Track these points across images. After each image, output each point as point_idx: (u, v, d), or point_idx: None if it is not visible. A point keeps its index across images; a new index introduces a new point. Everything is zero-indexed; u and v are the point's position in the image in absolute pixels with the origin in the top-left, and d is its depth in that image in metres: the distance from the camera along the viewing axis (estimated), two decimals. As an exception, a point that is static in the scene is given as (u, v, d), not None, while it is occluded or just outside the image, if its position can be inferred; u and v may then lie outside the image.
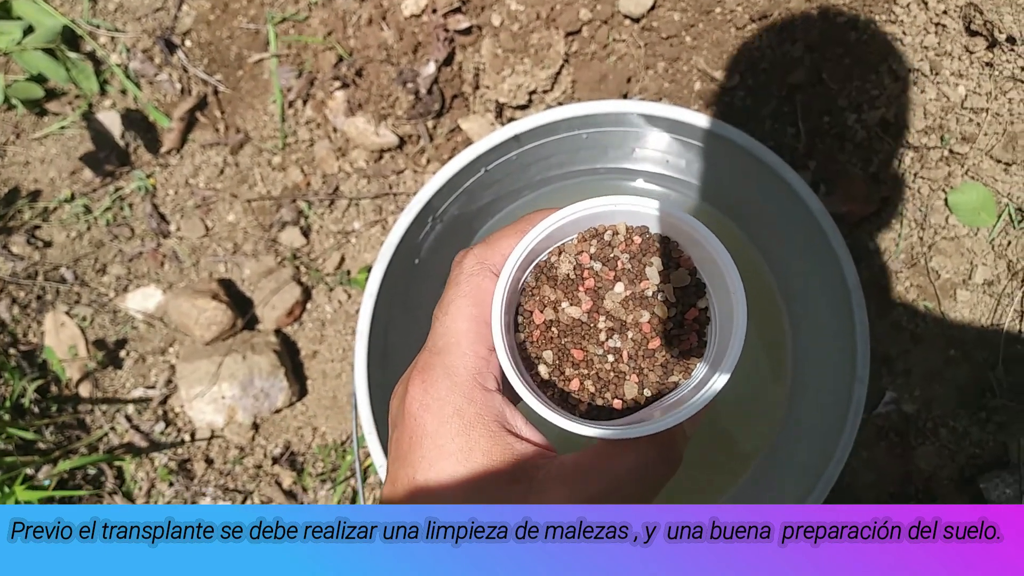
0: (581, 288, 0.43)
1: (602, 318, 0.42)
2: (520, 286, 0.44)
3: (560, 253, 0.44)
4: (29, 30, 1.20)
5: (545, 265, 0.44)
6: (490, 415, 0.40)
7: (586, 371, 0.42)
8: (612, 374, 0.42)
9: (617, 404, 0.42)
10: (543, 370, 0.43)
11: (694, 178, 0.88)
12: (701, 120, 0.75)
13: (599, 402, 0.42)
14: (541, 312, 0.43)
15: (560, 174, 0.90)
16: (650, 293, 0.42)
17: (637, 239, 0.43)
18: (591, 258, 0.43)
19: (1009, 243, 1.12)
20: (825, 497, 0.72)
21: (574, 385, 0.42)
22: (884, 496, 1.13)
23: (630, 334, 0.42)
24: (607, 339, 0.42)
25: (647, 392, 0.42)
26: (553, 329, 0.43)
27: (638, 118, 0.77)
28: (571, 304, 0.43)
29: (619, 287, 0.42)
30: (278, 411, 1.22)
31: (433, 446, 0.39)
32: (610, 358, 0.42)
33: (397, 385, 0.43)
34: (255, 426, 1.22)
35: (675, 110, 0.75)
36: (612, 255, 0.43)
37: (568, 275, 0.43)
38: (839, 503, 1.12)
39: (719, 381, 0.39)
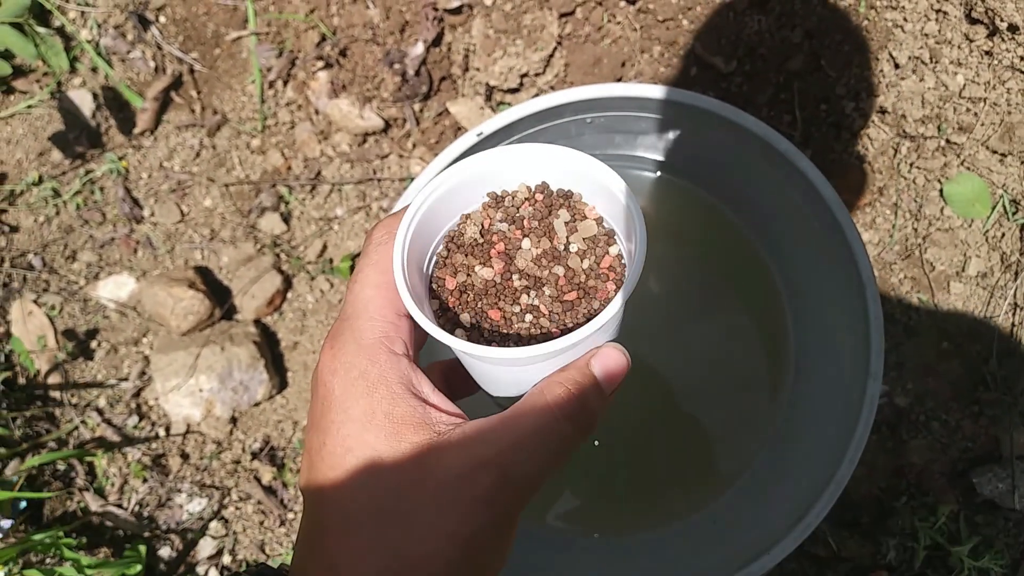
0: (492, 252, 0.43)
1: (516, 277, 0.42)
2: (432, 257, 0.44)
3: (468, 219, 0.44)
4: (-6, 3, 1.14)
5: (454, 233, 0.44)
6: (395, 377, 0.39)
7: (506, 331, 0.42)
8: (533, 330, 0.42)
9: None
10: (460, 334, 0.42)
11: (699, 166, 0.85)
12: (711, 104, 0.72)
13: None
14: (453, 277, 0.43)
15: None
16: (561, 247, 0.42)
17: (539, 196, 0.43)
18: (499, 221, 0.43)
19: (1003, 235, 1.11)
20: (837, 498, 0.70)
21: (494, 347, 0.41)
22: (875, 490, 1.12)
23: (546, 290, 0.42)
24: (523, 297, 0.42)
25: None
26: (468, 293, 0.43)
27: (644, 102, 0.74)
28: (483, 266, 0.43)
29: (527, 243, 0.42)
30: (257, 404, 1.17)
31: (340, 410, 0.39)
32: (528, 316, 0.42)
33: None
34: (233, 420, 1.18)
35: (685, 94, 0.72)
36: (518, 215, 0.43)
37: (475, 239, 0.43)
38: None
39: (616, 301, 0.39)
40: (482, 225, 0.44)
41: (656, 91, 0.73)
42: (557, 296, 0.42)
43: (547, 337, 0.41)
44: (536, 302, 0.42)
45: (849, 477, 0.69)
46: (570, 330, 0.40)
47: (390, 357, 0.40)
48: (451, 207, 0.44)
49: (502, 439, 0.38)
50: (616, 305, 0.39)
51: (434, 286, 0.44)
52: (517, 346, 0.40)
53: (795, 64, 1.09)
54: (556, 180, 0.43)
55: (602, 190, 0.42)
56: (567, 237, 0.42)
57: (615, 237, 0.43)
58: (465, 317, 0.42)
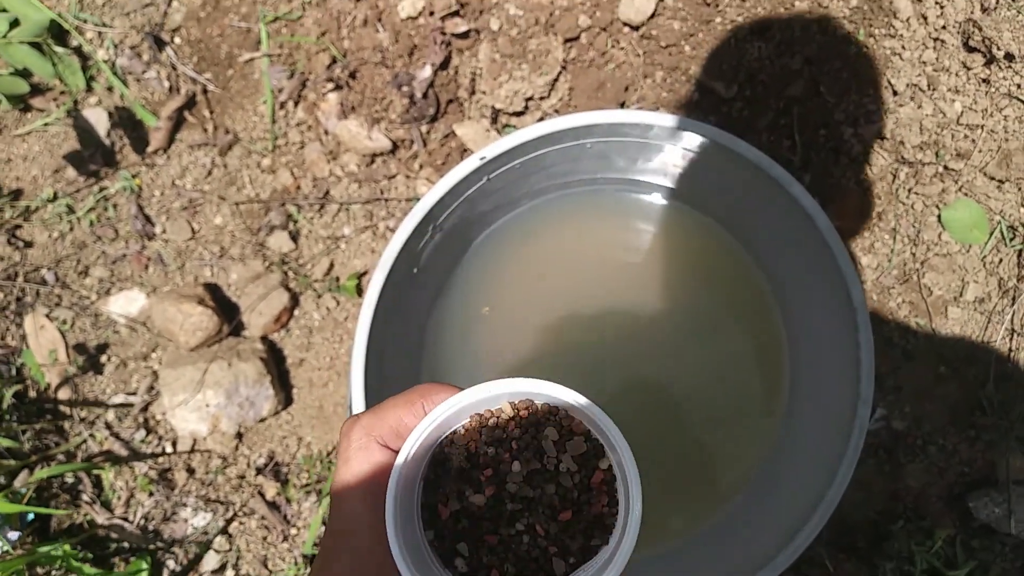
0: (482, 475, 0.43)
1: (507, 500, 0.42)
2: (421, 480, 0.44)
3: (451, 443, 0.44)
4: (15, 23, 1.17)
5: (440, 457, 0.44)
6: None
7: (504, 554, 0.42)
8: (532, 552, 0.42)
9: None
10: (460, 564, 0.42)
11: (697, 191, 0.87)
12: (707, 131, 0.74)
13: None
14: (445, 506, 0.43)
15: (560, 183, 0.89)
16: (552, 466, 0.42)
17: (524, 413, 0.43)
18: (485, 444, 0.43)
19: (1001, 261, 1.12)
20: (827, 520, 0.71)
21: (495, 574, 0.42)
22: (872, 513, 1.13)
23: (540, 509, 0.42)
24: (518, 519, 0.42)
25: (572, 561, 0.42)
26: (463, 520, 0.43)
27: (645, 128, 0.76)
28: (474, 492, 0.42)
29: (516, 466, 0.42)
30: (263, 420, 1.19)
31: None
32: (525, 538, 0.42)
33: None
34: (239, 435, 1.19)
35: (682, 121, 0.74)
36: (504, 436, 0.43)
37: (462, 467, 0.43)
38: (828, 522, 1.12)
39: (627, 542, 0.39)
40: (467, 449, 0.43)
41: (655, 118, 0.75)
42: (551, 515, 0.42)
43: (548, 558, 0.42)
44: (532, 521, 0.42)
45: (839, 499, 0.70)
46: (568, 549, 0.42)
47: (387, 574, 0.40)
48: (437, 435, 0.44)
49: None
50: (628, 547, 0.39)
51: (426, 515, 0.43)
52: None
53: (795, 90, 1.11)
54: (540, 397, 0.44)
55: (580, 411, 0.42)
56: (557, 455, 0.42)
57: (603, 449, 0.43)
58: (462, 546, 0.42)
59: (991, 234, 1.11)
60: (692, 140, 0.76)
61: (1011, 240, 1.11)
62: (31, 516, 1.17)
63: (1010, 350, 1.11)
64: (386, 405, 0.44)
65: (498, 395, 0.42)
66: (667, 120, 0.75)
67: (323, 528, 0.42)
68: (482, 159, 0.74)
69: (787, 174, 0.72)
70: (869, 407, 0.69)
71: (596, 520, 0.42)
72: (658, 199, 0.91)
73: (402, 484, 0.40)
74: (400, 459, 0.40)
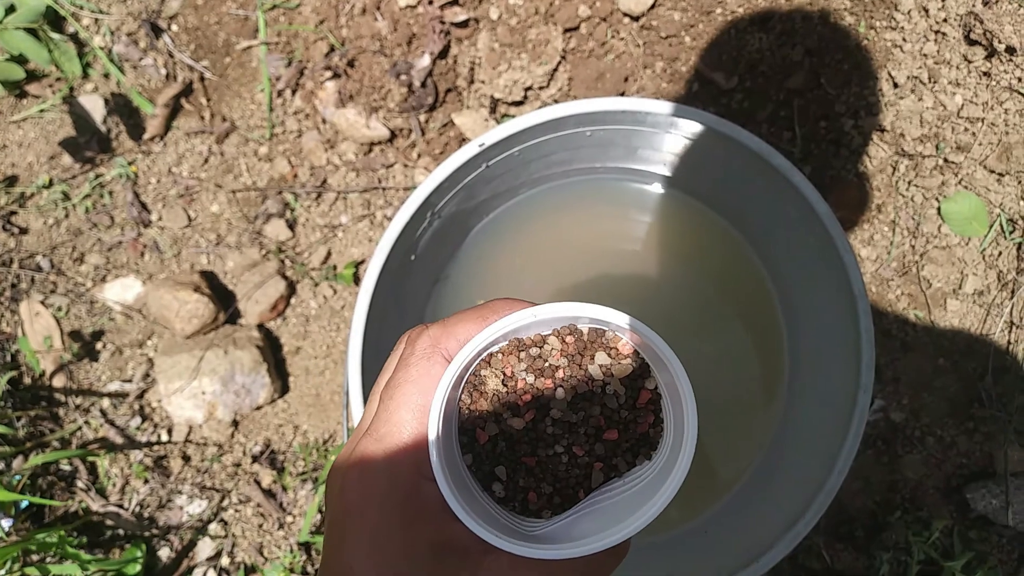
0: (521, 400, 0.41)
1: (549, 422, 0.41)
2: (459, 402, 0.42)
3: (487, 365, 0.42)
4: (11, 9, 1.16)
5: (475, 379, 0.42)
6: (433, 509, 0.38)
7: (541, 475, 0.41)
8: (571, 468, 0.41)
9: (582, 495, 0.42)
10: (498, 489, 0.42)
11: (697, 180, 0.86)
12: (709, 120, 0.74)
13: (558, 499, 0.42)
14: (483, 430, 0.42)
15: (560, 172, 0.89)
16: (598, 389, 0.41)
17: (570, 340, 0.42)
18: (525, 371, 0.42)
19: (1000, 253, 1.12)
20: (826, 508, 0.71)
21: (531, 497, 0.42)
22: (870, 504, 1.13)
23: (582, 430, 0.41)
24: (558, 440, 0.41)
25: (612, 475, 0.42)
26: (501, 443, 0.42)
27: (645, 116, 0.76)
28: (514, 415, 0.41)
29: (560, 393, 0.41)
30: (259, 408, 1.19)
31: (372, 537, 0.38)
32: (564, 459, 0.41)
33: (333, 468, 0.41)
34: (235, 423, 1.19)
35: (683, 109, 0.74)
36: (547, 365, 0.42)
37: (497, 390, 0.42)
38: (826, 512, 1.12)
39: (682, 466, 0.38)
40: (504, 373, 0.42)
41: (655, 106, 0.74)
42: (594, 435, 0.41)
43: (586, 473, 0.41)
44: (572, 441, 0.41)
45: (838, 487, 0.70)
46: (614, 467, 0.41)
47: (426, 486, 0.39)
48: (476, 356, 0.42)
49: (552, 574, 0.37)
50: (682, 473, 0.38)
51: (463, 439, 0.42)
52: (556, 505, 0.41)
53: (795, 82, 1.10)
54: (584, 324, 0.43)
55: (627, 331, 0.41)
56: (603, 379, 0.41)
57: (648, 369, 0.42)
58: (500, 470, 0.42)
59: (990, 227, 1.11)
60: (693, 128, 0.75)
61: (1010, 233, 1.10)
62: (25, 503, 1.17)
63: (1009, 342, 1.11)
64: (457, 318, 0.42)
65: (551, 319, 0.41)
66: (668, 108, 0.74)
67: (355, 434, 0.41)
68: (481, 145, 0.73)
69: (788, 163, 0.72)
70: (869, 395, 0.69)
71: (642, 439, 0.41)
72: (658, 188, 0.91)
73: (446, 405, 0.39)
74: (446, 378, 0.39)
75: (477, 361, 0.42)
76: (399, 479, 0.38)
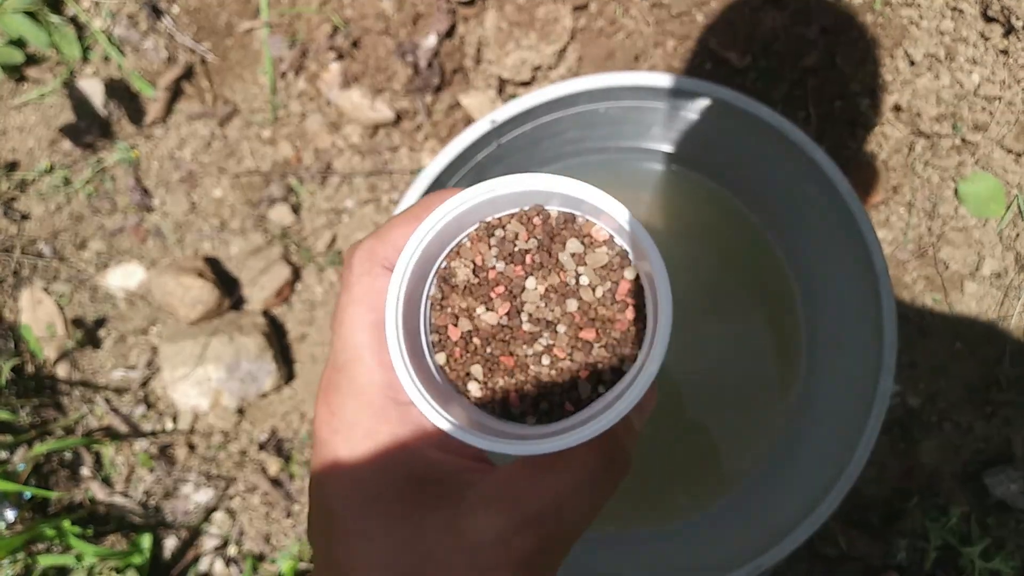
0: (493, 293, 0.39)
1: (525, 318, 0.38)
2: (426, 298, 0.40)
3: (457, 256, 0.39)
4: (8, -9, 1.14)
5: (445, 271, 0.39)
6: (407, 431, 0.36)
7: (523, 377, 0.38)
8: (553, 374, 0.38)
9: (569, 408, 0.38)
10: (474, 388, 0.39)
11: (712, 159, 0.84)
12: (724, 94, 0.72)
13: (544, 406, 0.39)
14: (456, 326, 0.39)
15: (572, 151, 0.87)
16: (572, 281, 0.38)
17: (537, 222, 0.39)
18: (495, 258, 0.39)
19: (1018, 235, 1.10)
20: (847, 492, 0.70)
21: (512, 398, 0.38)
22: (886, 490, 1.11)
23: (560, 328, 0.38)
24: (537, 338, 0.38)
25: (601, 389, 0.38)
26: (474, 340, 0.39)
27: (659, 92, 0.74)
28: (487, 310, 0.38)
29: (531, 282, 0.38)
30: (264, 395, 1.17)
31: (349, 479, 0.36)
32: (545, 359, 0.38)
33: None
34: (240, 411, 1.17)
35: (699, 84, 0.72)
36: (516, 249, 0.39)
37: (468, 281, 0.39)
38: (842, 499, 1.10)
39: (657, 349, 0.35)
40: (474, 263, 0.39)
41: (669, 80, 0.72)
42: (574, 334, 0.38)
43: (571, 382, 0.38)
44: (551, 342, 0.38)
45: (860, 470, 0.68)
46: (595, 369, 0.38)
47: (397, 410, 0.37)
48: (441, 244, 0.39)
49: (540, 495, 0.34)
50: (655, 362, 0.35)
51: (435, 337, 0.40)
52: (543, 412, 0.38)
53: (810, 60, 1.08)
54: (554, 207, 0.40)
55: (603, 214, 0.38)
56: (576, 269, 0.38)
57: (628, 257, 0.39)
58: (476, 369, 0.39)
59: (1008, 208, 1.09)
60: (708, 104, 0.73)
61: (1028, 214, 1.08)
62: (28, 494, 1.16)
63: (1027, 326, 1.09)
64: (389, 224, 0.39)
65: (505, 195, 0.37)
66: (682, 83, 0.72)
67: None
68: (493, 123, 0.71)
69: (808, 139, 0.70)
70: (892, 376, 0.67)
71: (623, 337, 0.38)
72: (671, 167, 0.89)
73: (405, 304, 0.36)
74: (397, 272, 0.36)
75: (444, 254, 0.40)
76: (366, 406, 0.36)
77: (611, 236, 0.39)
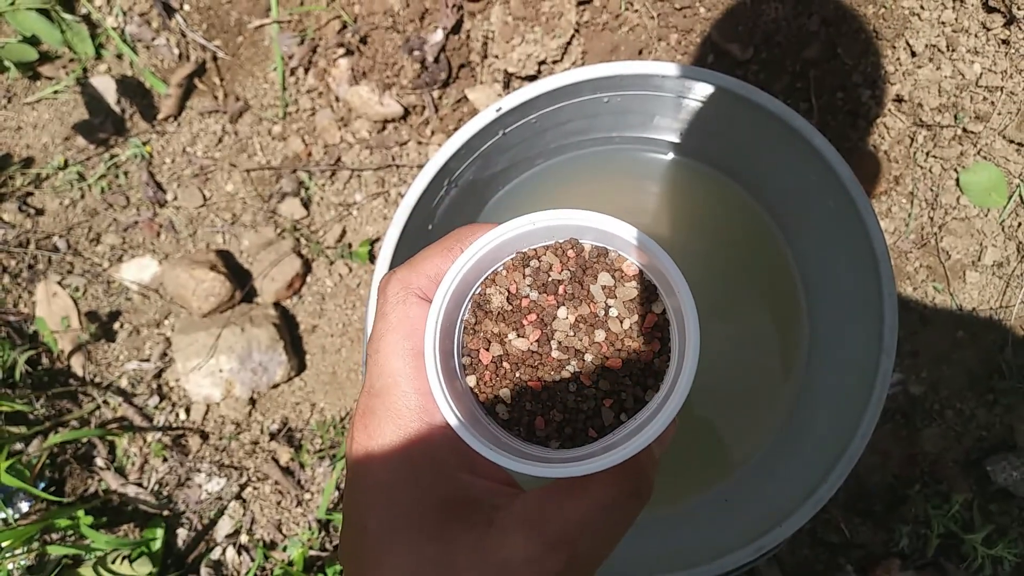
0: (525, 320, 0.40)
1: (554, 345, 0.40)
2: (460, 323, 0.41)
3: (493, 283, 0.41)
4: (23, -11, 1.16)
5: (480, 298, 0.41)
6: (441, 456, 0.37)
7: (549, 402, 0.40)
8: (579, 401, 0.40)
9: (592, 433, 0.40)
10: (502, 411, 0.40)
11: (714, 148, 0.86)
12: (727, 82, 0.73)
13: (568, 431, 0.40)
14: (487, 351, 0.40)
15: (576, 142, 0.88)
16: (601, 312, 0.40)
17: (571, 255, 0.41)
18: (529, 287, 0.41)
19: (1019, 224, 1.11)
20: (849, 473, 0.71)
21: (539, 422, 0.40)
22: (889, 478, 1.12)
23: (588, 357, 0.40)
24: (565, 365, 0.40)
25: (623, 417, 0.40)
26: (504, 364, 0.40)
27: (662, 80, 0.75)
28: (519, 336, 0.40)
29: (562, 312, 0.40)
30: (276, 386, 1.19)
31: (383, 496, 0.37)
32: (572, 386, 0.40)
33: (348, 434, 0.41)
34: (252, 401, 1.19)
35: (702, 72, 0.73)
36: (550, 280, 0.41)
37: (502, 307, 0.41)
38: (845, 486, 1.11)
39: (682, 386, 0.36)
40: (508, 291, 0.41)
41: (673, 69, 0.73)
42: (600, 363, 0.40)
43: (595, 409, 0.40)
44: (579, 369, 0.40)
45: (861, 452, 0.69)
46: (619, 398, 0.39)
47: (432, 433, 0.38)
48: (478, 273, 0.41)
49: (567, 518, 0.35)
50: (682, 392, 0.36)
51: (467, 360, 0.41)
52: (567, 436, 0.39)
53: (812, 52, 1.09)
54: (588, 236, 0.41)
55: (634, 249, 0.40)
56: (606, 301, 0.40)
57: (656, 292, 0.41)
58: (505, 392, 0.40)
59: (1010, 198, 1.10)
60: (710, 92, 0.75)
61: (1030, 203, 1.09)
62: (42, 485, 1.18)
63: (1028, 314, 1.10)
64: (422, 255, 0.41)
65: (542, 228, 0.40)
66: (685, 71, 0.74)
67: (348, 445, 0.39)
68: (498, 110, 0.73)
69: (809, 125, 0.71)
70: (892, 359, 0.68)
71: (646, 368, 0.40)
72: (674, 157, 0.90)
73: (442, 329, 0.38)
74: (436, 303, 0.38)
75: (480, 281, 0.41)
76: (402, 430, 0.37)
77: (640, 271, 0.40)
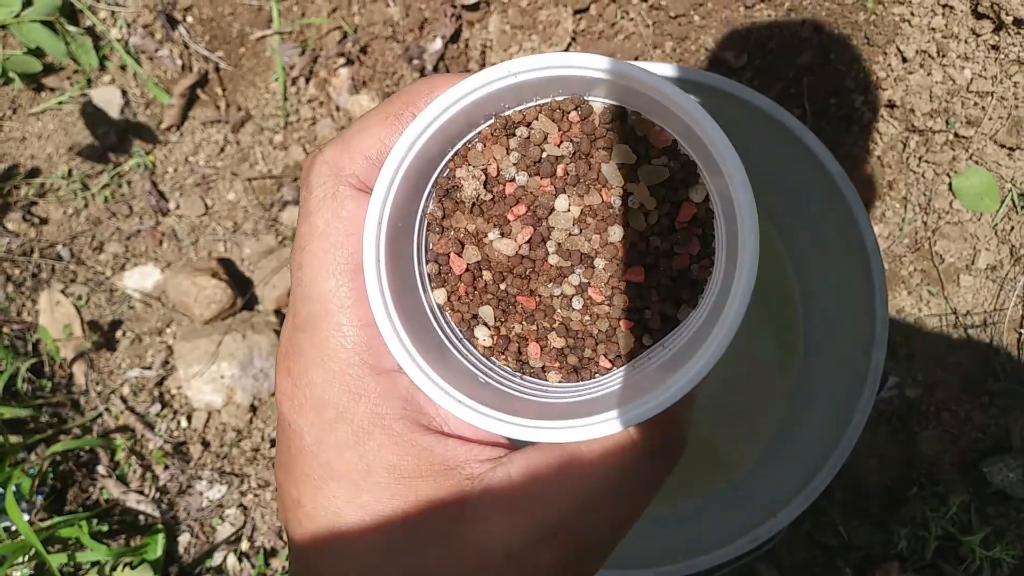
0: (510, 213, 0.30)
1: (552, 248, 0.30)
2: (421, 217, 0.30)
3: (464, 161, 0.30)
4: (28, 3, 1.18)
5: (447, 182, 0.30)
6: (392, 410, 0.28)
7: (547, 323, 0.30)
8: (587, 322, 0.30)
9: (606, 364, 0.30)
10: (482, 334, 0.31)
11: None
12: (716, 81, 0.74)
13: (573, 360, 0.31)
14: (460, 255, 0.30)
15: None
16: (618, 201, 0.29)
17: (575, 119, 0.29)
18: (515, 167, 0.30)
19: (1012, 228, 1.12)
20: (842, 464, 0.72)
21: (532, 349, 0.31)
22: (887, 480, 1.13)
23: (599, 263, 0.29)
24: (567, 275, 0.30)
25: (647, 341, 0.30)
26: (484, 274, 0.30)
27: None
28: (502, 235, 0.30)
29: (562, 202, 0.29)
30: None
31: (315, 461, 0.28)
32: (576, 302, 0.30)
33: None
34: (253, 408, 1.20)
35: (694, 72, 0.75)
36: (544, 156, 0.29)
37: (478, 196, 0.30)
38: (842, 488, 1.12)
39: (737, 299, 0.26)
40: (485, 172, 0.30)
41: (662, 69, 0.75)
42: (616, 272, 0.29)
43: (610, 332, 0.29)
44: (586, 280, 0.30)
45: (854, 443, 0.70)
46: (641, 317, 0.28)
47: (379, 380, 0.28)
48: (443, 145, 0.29)
49: (568, 496, 0.26)
50: (738, 311, 0.26)
51: (433, 268, 0.31)
52: (571, 368, 0.29)
53: (805, 58, 1.11)
54: (598, 98, 0.30)
55: (669, 112, 0.28)
56: (623, 185, 0.29)
57: (695, 172, 0.29)
58: (486, 311, 0.30)
59: (1002, 202, 1.11)
60: (704, 92, 0.76)
61: (1022, 208, 1.11)
62: (40, 495, 1.18)
63: (1022, 316, 1.11)
64: (359, 125, 0.30)
65: (532, 80, 0.27)
66: (675, 71, 0.75)
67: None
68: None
69: (799, 123, 0.73)
70: (884, 351, 0.70)
71: (680, 277, 0.29)
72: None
73: (391, 228, 0.28)
74: (378, 194, 0.27)
75: (448, 158, 0.30)
76: (336, 378, 0.28)
77: (675, 141, 0.29)
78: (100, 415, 1.22)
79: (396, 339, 0.27)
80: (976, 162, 1.11)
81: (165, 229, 1.25)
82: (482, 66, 1.17)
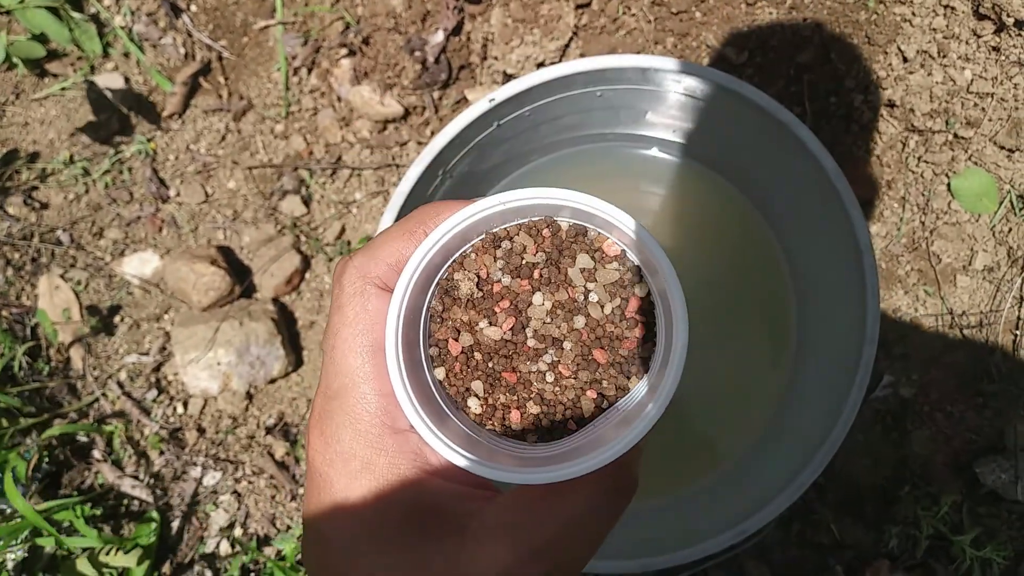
0: (497, 308, 0.38)
1: (530, 333, 0.38)
2: (426, 310, 0.38)
3: (461, 267, 0.38)
4: (33, -13, 1.18)
5: (447, 283, 0.38)
6: (406, 462, 0.35)
7: (525, 394, 0.38)
8: (557, 392, 0.38)
9: (572, 426, 0.38)
10: (474, 404, 0.38)
11: (704, 144, 0.87)
12: (716, 76, 0.75)
13: (546, 423, 0.38)
14: (457, 340, 0.38)
15: (570, 138, 0.90)
16: (581, 297, 0.37)
17: (547, 235, 0.38)
18: (501, 271, 0.38)
19: (1010, 230, 1.12)
20: (830, 459, 0.72)
21: (514, 416, 0.38)
22: (879, 479, 1.13)
23: (567, 345, 0.37)
24: (541, 355, 0.38)
25: (604, 405, 0.38)
26: (476, 355, 0.38)
27: (654, 74, 0.77)
28: (491, 324, 0.38)
29: (538, 298, 0.37)
30: (273, 381, 1.20)
31: (342, 504, 0.34)
32: (549, 376, 0.37)
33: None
34: (249, 395, 1.20)
35: (692, 66, 0.75)
36: (523, 263, 0.38)
37: (472, 294, 0.38)
38: (835, 487, 1.12)
39: (671, 373, 0.34)
40: (478, 275, 0.38)
41: (663, 62, 0.75)
42: (580, 352, 0.37)
43: (575, 400, 0.38)
44: (557, 359, 0.37)
45: (843, 438, 0.70)
46: (600, 388, 0.37)
47: (395, 439, 0.35)
48: (445, 256, 0.38)
49: (548, 522, 0.33)
50: (672, 382, 0.34)
51: (434, 351, 0.38)
52: (544, 429, 0.37)
53: (805, 57, 1.11)
54: (564, 219, 0.38)
55: (615, 228, 0.36)
56: (585, 284, 0.37)
57: (639, 274, 0.38)
58: (477, 385, 0.38)
59: (1001, 203, 1.11)
60: (700, 86, 0.77)
61: (1020, 210, 1.11)
62: (36, 480, 1.19)
63: (1018, 318, 1.12)
64: (381, 239, 0.37)
65: (515, 207, 0.36)
66: (676, 64, 0.75)
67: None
68: (492, 100, 0.75)
69: (795, 118, 0.73)
70: (875, 347, 0.70)
71: (630, 355, 0.37)
72: (665, 154, 0.92)
73: (405, 319, 0.35)
74: (398, 294, 0.35)
75: (448, 265, 0.38)
76: (362, 436, 0.35)
77: (623, 251, 0.38)
78: (96, 400, 1.23)
79: (409, 405, 0.34)
80: (975, 163, 1.11)
81: (165, 216, 1.25)
82: (483, 59, 1.17)
